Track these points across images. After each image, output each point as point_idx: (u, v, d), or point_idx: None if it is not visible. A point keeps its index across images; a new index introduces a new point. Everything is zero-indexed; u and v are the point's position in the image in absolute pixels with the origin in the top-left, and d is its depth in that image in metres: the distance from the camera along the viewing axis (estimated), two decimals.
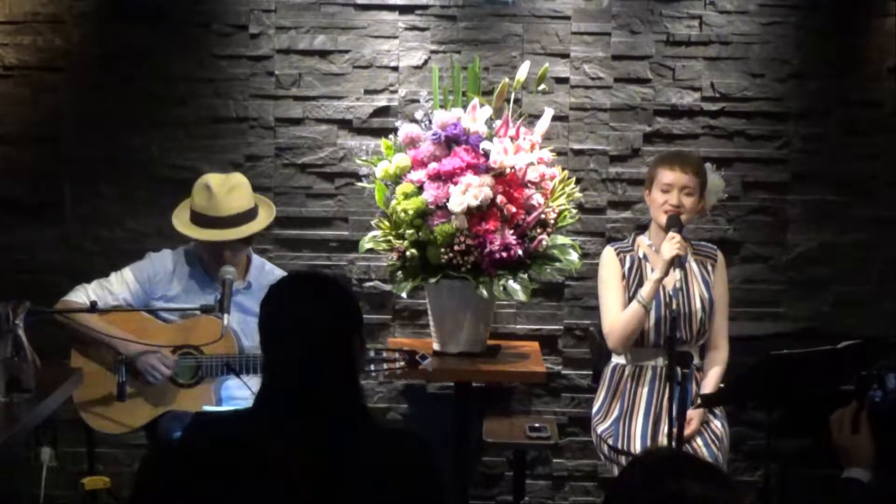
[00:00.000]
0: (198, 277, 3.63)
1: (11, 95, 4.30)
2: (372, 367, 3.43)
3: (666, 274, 3.40)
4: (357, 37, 4.28)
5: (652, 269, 3.51)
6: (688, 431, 3.31)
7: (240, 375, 3.41)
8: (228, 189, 3.54)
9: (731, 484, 1.52)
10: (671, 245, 3.36)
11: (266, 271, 3.70)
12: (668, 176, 3.49)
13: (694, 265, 3.60)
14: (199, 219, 3.54)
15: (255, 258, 3.74)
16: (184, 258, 3.65)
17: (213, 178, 3.57)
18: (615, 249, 3.63)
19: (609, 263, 3.61)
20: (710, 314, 3.57)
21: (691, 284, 3.55)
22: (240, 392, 3.51)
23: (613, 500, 1.56)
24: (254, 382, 3.37)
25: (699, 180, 3.51)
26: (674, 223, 3.43)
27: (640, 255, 3.59)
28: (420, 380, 4.25)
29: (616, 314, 3.52)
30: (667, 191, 3.49)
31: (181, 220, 3.59)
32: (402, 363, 3.46)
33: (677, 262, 3.34)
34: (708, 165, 3.72)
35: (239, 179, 3.62)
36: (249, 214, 3.59)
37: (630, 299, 3.51)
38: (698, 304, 3.54)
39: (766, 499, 4.18)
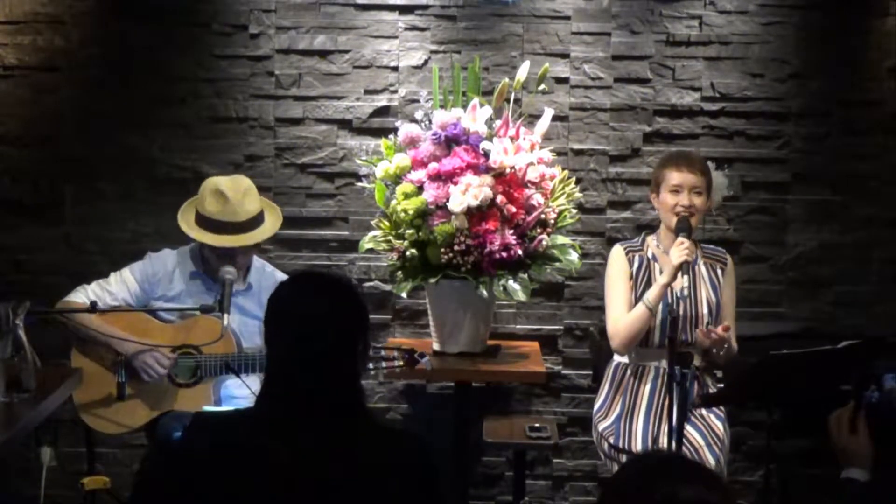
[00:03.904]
0: (201, 278, 3.62)
1: (11, 95, 4.30)
2: (370, 366, 3.43)
3: (673, 279, 3.37)
4: (357, 37, 4.29)
5: (661, 271, 3.49)
6: (707, 343, 3.39)
7: (239, 375, 3.40)
8: (243, 193, 3.54)
9: (723, 486, 1.52)
10: (680, 251, 3.34)
11: (267, 273, 3.69)
12: (676, 177, 3.47)
13: (703, 268, 3.59)
14: (211, 224, 3.52)
15: (256, 260, 3.72)
16: (185, 258, 3.64)
17: (224, 183, 3.55)
18: (624, 248, 3.61)
19: (617, 262, 3.59)
20: (717, 318, 3.55)
21: (699, 287, 3.54)
22: (239, 391, 3.51)
23: (606, 502, 1.56)
24: (253, 382, 3.37)
25: (706, 179, 3.51)
26: (683, 227, 3.41)
27: (650, 256, 3.57)
28: (420, 380, 4.25)
29: (620, 314, 3.51)
30: (677, 191, 3.47)
31: (189, 225, 3.56)
32: (401, 362, 3.47)
33: (685, 267, 3.34)
34: (709, 164, 3.72)
35: (248, 182, 3.60)
36: (260, 217, 3.59)
37: (637, 300, 3.49)
38: (705, 308, 3.53)
39: (766, 499, 4.19)
